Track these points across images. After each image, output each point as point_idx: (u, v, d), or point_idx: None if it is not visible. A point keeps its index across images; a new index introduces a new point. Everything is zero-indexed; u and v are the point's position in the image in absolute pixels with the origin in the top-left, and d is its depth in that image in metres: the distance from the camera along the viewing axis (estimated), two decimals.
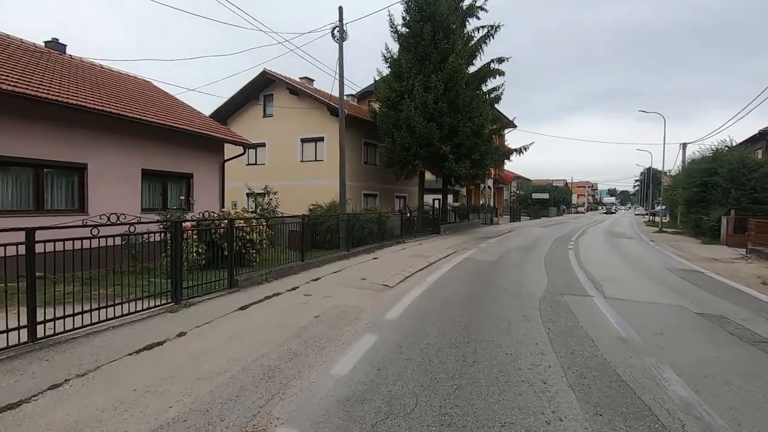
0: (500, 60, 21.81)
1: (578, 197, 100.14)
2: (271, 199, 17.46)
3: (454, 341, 4.86)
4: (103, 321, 5.29)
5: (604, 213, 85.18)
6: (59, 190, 10.53)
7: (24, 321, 4.51)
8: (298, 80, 21.78)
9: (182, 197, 11.23)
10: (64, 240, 5.17)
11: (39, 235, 4.78)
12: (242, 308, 6.35)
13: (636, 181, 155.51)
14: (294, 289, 7.79)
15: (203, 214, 10.07)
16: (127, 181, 11.83)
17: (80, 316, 4.95)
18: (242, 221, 10.44)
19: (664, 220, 34.51)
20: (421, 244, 15.79)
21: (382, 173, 23.68)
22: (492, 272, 10.06)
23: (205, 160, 14.73)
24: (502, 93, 21.30)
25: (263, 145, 22.52)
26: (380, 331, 5.24)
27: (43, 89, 9.69)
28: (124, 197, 11.70)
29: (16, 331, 4.42)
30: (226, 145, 15.57)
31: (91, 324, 5.07)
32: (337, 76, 13.79)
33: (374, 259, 11.54)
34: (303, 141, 21.27)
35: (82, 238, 5.44)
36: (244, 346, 4.68)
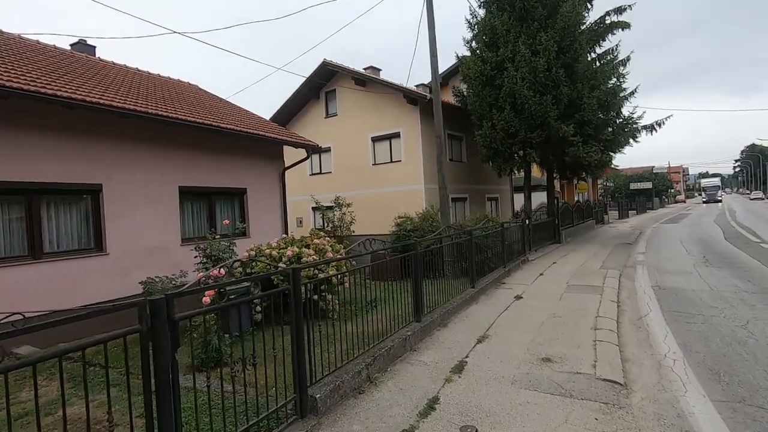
0: (619, 10, 16.61)
1: (675, 184, 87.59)
2: (344, 214, 13.89)
3: None
4: None
5: (705, 201, 62.34)
6: (64, 223, 7.54)
7: None
8: (363, 71, 18.25)
9: (226, 221, 7.83)
10: None
11: None
12: None
13: (736, 161, 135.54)
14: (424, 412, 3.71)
15: (251, 253, 6.59)
16: (159, 204, 8.72)
17: None
18: (314, 257, 6.82)
19: None
20: (555, 262, 11.23)
21: (470, 171, 19.34)
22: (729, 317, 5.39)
23: (260, 171, 11.46)
24: (624, 57, 15.84)
25: (328, 150, 19.17)
26: None
27: (52, 86, 6.79)
28: (156, 225, 8.57)
29: None
30: (285, 152, 12.25)
31: None
32: (426, 34, 9.81)
33: (517, 298, 7.29)
34: (374, 140, 17.59)
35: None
36: None
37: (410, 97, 15.84)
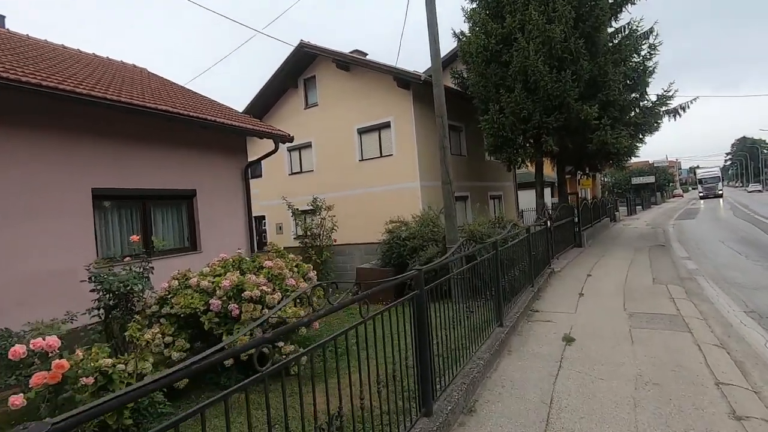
0: None
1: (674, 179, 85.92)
2: (323, 219, 11.48)
3: None
4: None
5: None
6: None
7: None
8: (346, 53, 15.87)
9: (135, 237, 5.42)
10: None
11: None
12: None
13: (728, 154, 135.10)
14: None
15: (173, 283, 4.24)
16: (62, 213, 6.32)
17: None
18: (264, 288, 4.50)
19: None
20: (590, 274, 8.90)
21: (471, 166, 17.03)
22: None
23: (215, 168, 9.08)
24: (647, 29, 13.39)
25: (309, 145, 16.79)
26: None
27: None
28: (56, 242, 6.15)
29: None
30: (259, 146, 9.88)
31: None
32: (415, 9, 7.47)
33: (567, 342, 4.92)
34: (361, 132, 15.22)
35: None
36: None
37: (401, 79, 13.48)
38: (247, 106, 17.14)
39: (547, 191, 31.51)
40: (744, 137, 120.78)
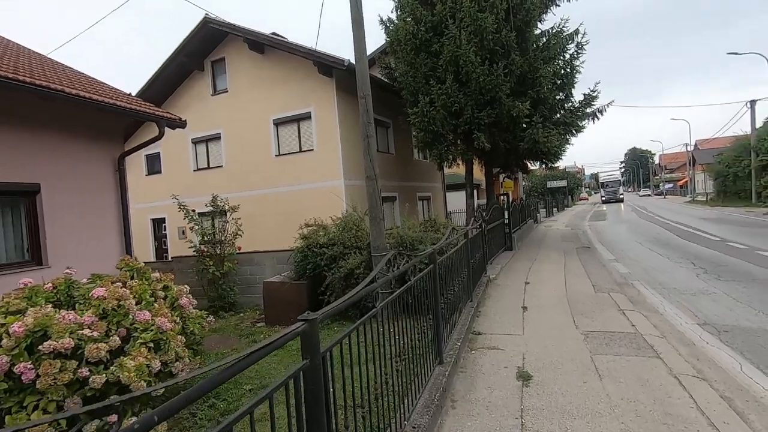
0: None
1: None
2: (226, 222, 9.60)
3: None
4: None
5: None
6: None
7: None
8: (261, 33, 13.99)
9: None
10: None
11: None
12: None
13: (621, 163, 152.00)
14: None
15: None
16: None
17: None
18: (93, 331, 2.78)
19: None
20: (527, 282, 8.13)
21: (399, 165, 16.05)
22: None
23: (73, 156, 6.97)
24: (572, 31, 13.25)
25: (217, 137, 14.66)
26: None
27: None
28: None
29: None
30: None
31: None
32: None
33: (523, 381, 3.80)
34: (278, 123, 13.49)
35: None
36: None
37: (323, 65, 12.01)
38: (141, 89, 14.49)
39: (475, 193, 31.98)
40: (635, 147, 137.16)
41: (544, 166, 14.52)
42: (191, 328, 4.13)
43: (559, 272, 8.95)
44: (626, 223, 21.79)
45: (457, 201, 23.92)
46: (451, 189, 23.52)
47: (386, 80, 13.41)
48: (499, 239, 12.06)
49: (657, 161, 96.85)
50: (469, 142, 11.53)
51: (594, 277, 8.19)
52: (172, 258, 11.78)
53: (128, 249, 7.70)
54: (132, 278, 4.20)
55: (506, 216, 12.60)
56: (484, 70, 10.44)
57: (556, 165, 14.86)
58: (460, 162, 12.98)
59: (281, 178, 13.23)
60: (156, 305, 3.79)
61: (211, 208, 9.25)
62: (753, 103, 28.12)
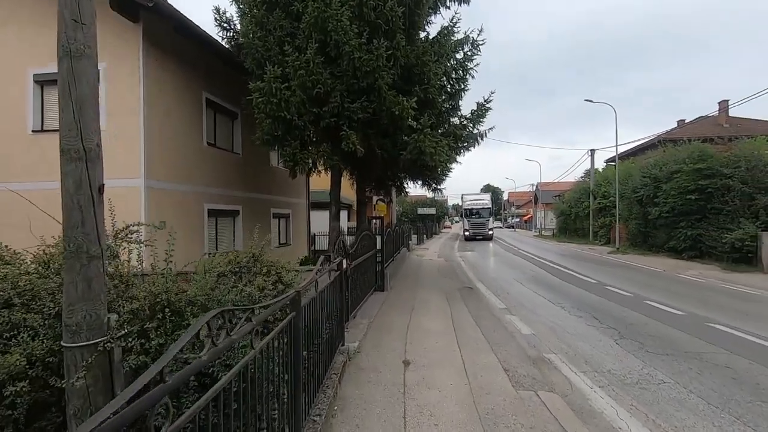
0: None
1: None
2: None
3: None
4: None
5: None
6: None
7: None
8: None
9: None
10: None
11: None
12: None
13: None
14: None
15: None
16: None
17: None
18: None
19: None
20: (408, 360, 5.16)
21: (248, 171, 12.25)
22: None
23: None
24: (463, 37, 11.38)
25: None
26: None
27: None
28: None
29: None
30: None
31: None
32: None
33: None
34: (42, 82, 8.64)
35: None
36: None
37: (123, 1, 7.78)
38: None
39: (344, 214, 28.97)
40: (488, 184, 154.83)
41: (426, 186, 12.31)
42: None
43: (448, 334, 6.24)
44: (495, 256, 21.25)
45: (324, 222, 20.70)
46: (318, 207, 20.16)
47: (230, 48, 9.67)
48: (369, 276, 9.09)
49: (506, 198, 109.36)
50: (336, 142, 8.43)
51: (498, 348, 5.63)
52: None
53: None
54: None
55: (379, 244, 9.74)
56: (360, 46, 7.56)
57: (440, 187, 12.69)
58: (322, 169, 9.81)
59: (44, 168, 8.28)
60: None
61: None
62: (593, 151, 31.59)
